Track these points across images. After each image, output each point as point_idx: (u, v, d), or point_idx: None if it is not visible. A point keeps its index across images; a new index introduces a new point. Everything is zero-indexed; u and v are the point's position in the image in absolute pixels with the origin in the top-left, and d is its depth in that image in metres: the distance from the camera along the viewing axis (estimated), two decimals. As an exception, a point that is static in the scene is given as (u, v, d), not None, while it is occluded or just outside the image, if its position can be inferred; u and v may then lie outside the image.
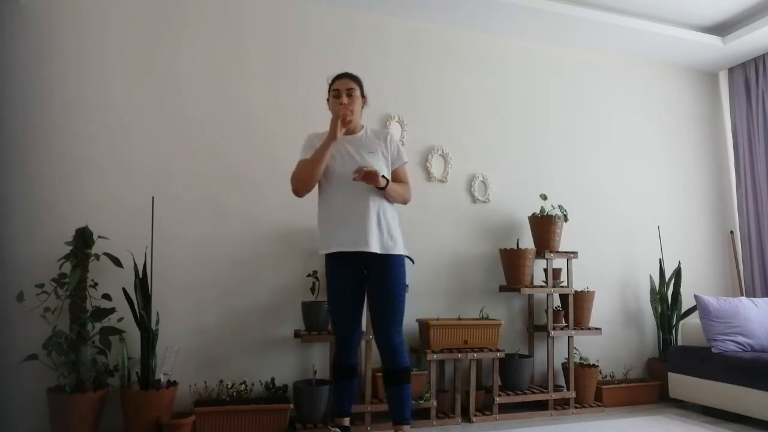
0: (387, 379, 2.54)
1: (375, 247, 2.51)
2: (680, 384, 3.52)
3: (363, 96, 2.70)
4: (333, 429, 2.58)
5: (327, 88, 2.75)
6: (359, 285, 2.60)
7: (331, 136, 2.52)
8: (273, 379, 3.10)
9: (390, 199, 2.62)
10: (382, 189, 2.55)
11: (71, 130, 3.03)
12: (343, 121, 2.52)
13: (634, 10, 3.83)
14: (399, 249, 2.59)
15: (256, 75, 3.40)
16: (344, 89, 2.63)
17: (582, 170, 4.12)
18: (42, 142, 2.96)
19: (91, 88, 3.09)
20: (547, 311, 3.59)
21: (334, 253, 2.56)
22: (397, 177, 2.68)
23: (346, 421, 2.61)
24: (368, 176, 2.47)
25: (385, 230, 2.56)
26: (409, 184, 2.74)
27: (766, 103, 4.25)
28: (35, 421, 2.78)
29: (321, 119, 3.46)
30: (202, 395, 3.04)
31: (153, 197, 3.09)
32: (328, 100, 2.72)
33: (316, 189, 2.66)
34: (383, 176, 2.54)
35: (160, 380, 2.84)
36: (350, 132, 2.66)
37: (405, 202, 2.71)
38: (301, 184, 2.59)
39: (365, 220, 2.52)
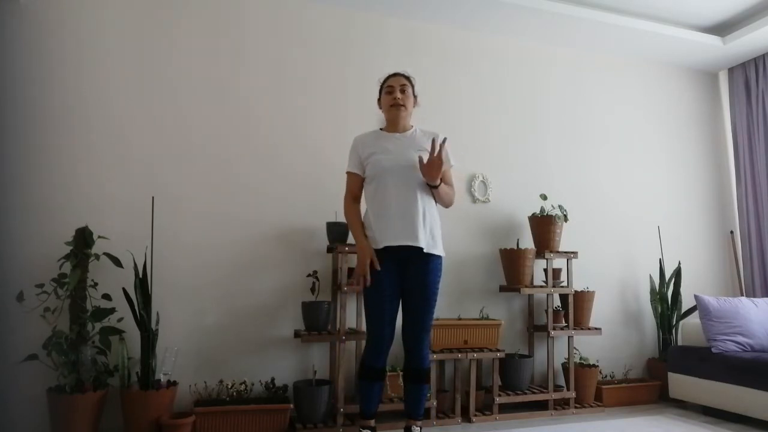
0: (409, 376, 2.59)
1: (424, 244, 2.52)
2: (680, 384, 3.52)
3: (414, 95, 2.74)
4: (363, 431, 2.58)
5: (378, 88, 2.79)
6: (399, 282, 2.58)
7: (362, 256, 2.54)
8: (273, 379, 3.10)
9: (438, 199, 2.64)
10: (435, 187, 2.56)
11: (71, 130, 3.03)
12: (359, 280, 2.52)
13: (634, 10, 3.84)
14: (439, 250, 2.61)
15: (256, 75, 3.40)
16: (398, 85, 2.67)
17: (582, 170, 4.12)
18: (42, 142, 2.96)
19: (91, 88, 3.09)
20: (547, 311, 3.59)
21: (380, 249, 2.54)
22: (443, 179, 2.66)
23: (373, 422, 2.60)
24: (434, 167, 2.47)
25: (428, 228, 2.57)
26: (454, 189, 2.74)
27: (766, 103, 4.25)
28: (35, 421, 2.78)
29: (320, 118, 3.49)
30: (202, 395, 3.04)
31: (153, 197, 3.09)
32: (378, 100, 2.77)
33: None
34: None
35: (160, 380, 2.84)
36: (401, 130, 2.69)
37: (449, 205, 2.71)
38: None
39: (414, 215, 2.53)
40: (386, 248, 2.53)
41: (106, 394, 2.75)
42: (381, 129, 2.75)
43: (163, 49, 3.24)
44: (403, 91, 2.67)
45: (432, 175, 2.51)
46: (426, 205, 2.59)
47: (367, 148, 2.65)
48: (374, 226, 2.57)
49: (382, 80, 2.77)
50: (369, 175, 2.63)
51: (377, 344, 2.54)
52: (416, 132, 2.73)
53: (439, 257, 2.61)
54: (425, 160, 2.51)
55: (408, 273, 2.56)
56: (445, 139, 2.56)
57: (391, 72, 2.77)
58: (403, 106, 2.66)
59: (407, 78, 2.73)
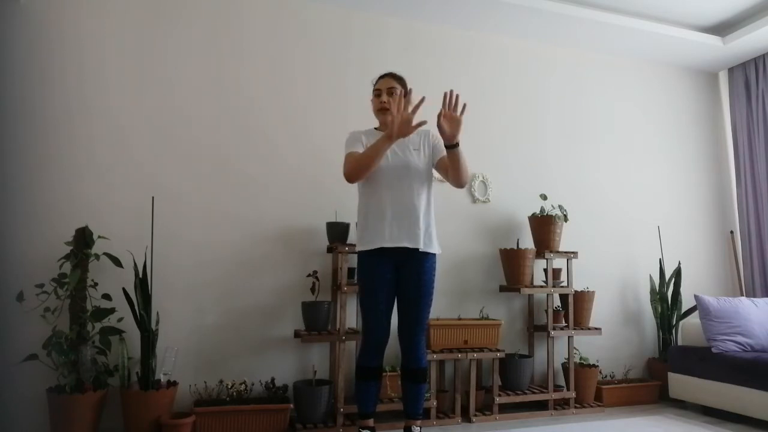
0: (406, 376, 2.59)
1: (420, 244, 2.51)
2: (680, 384, 3.53)
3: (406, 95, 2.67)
4: (363, 431, 2.58)
5: (369, 89, 2.76)
6: (395, 282, 2.56)
7: (389, 136, 2.40)
8: (273, 379, 3.10)
9: (455, 165, 2.47)
10: (453, 147, 2.43)
11: (71, 130, 3.03)
12: (402, 126, 2.38)
13: (634, 10, 3.84)
14: (435, 248, 2.59)
15: (256, 74, 3.40)
16: (385, 88, 2.64)
17: (582, 170, 4.12)
18: (42, 142, 2.96)
19: (91, 88, 3.09)
20: (547, 311, 3.59)
21: (374, 249, 2.51)
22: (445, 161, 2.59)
23: (371, 422, 2.61)
24: (453, 120, 2.39)
25: (425, 228, 2.56)
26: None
27: (766, 103, 4.25)
28: (35, 421, 2.78)
29: (320, 118, 3.49)
30: (202, 395, 3.04)
31: (153, 197, 3.09)
32: (372, 100, 2.72)
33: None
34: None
35: (160, 380, 2.84)
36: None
37: (466, 176, 2.52)
38: (357, 173, 2.46)
39: (413, 216, 2.51)
40: (383, 249, 2.51)
41: (106, 394, 2.75)
42: (375, 128, 2.73)
43: (163, 48, 3.24)
44: (390, 94, 2.63)
45: (452, 130, 2.39)
46: (427, 203, 2.59)
47: (364, 142, 2.60)
48: (369, 226, 2.54)
49: (374, 80, 2.73)
50: None
51: (373, 344, 2.54)
52: None
53: (434, 255, 2.59)
54: (418, 159, 2.52)
55: (404, 273, 2.55)
56: (431, 131, 2.63)
57: (384, 72, 2.72)
58: (389, 110, 2.60)
59: (397, 79, 2.68)
